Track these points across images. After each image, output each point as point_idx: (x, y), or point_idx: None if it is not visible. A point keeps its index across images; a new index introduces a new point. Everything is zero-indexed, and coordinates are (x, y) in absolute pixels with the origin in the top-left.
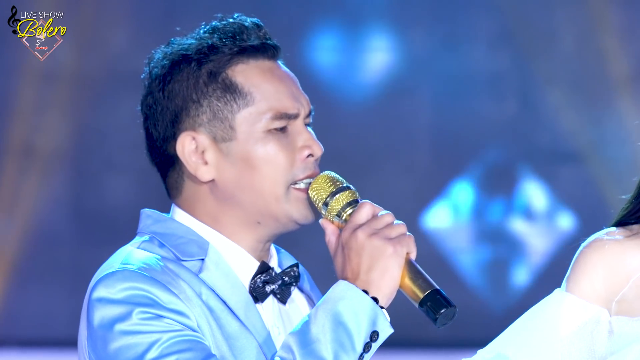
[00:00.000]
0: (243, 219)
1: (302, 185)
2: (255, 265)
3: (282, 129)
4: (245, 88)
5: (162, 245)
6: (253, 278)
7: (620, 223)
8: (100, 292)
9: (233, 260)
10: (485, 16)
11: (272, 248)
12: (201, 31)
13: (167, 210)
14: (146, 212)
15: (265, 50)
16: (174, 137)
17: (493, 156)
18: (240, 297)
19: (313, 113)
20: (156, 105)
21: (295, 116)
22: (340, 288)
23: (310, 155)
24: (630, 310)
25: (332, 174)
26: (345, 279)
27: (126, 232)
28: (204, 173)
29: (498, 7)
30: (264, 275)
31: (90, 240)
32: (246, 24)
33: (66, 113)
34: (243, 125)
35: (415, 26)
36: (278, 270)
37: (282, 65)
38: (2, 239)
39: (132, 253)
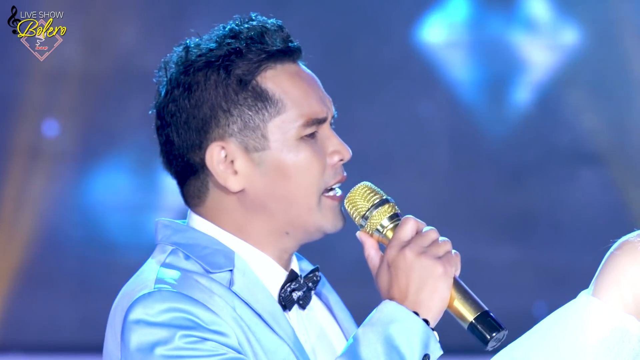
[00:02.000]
0: (272, 229)
1: (332, 193)
2: (282, 273)
3: (312, 135)
4: (276, 95)
5: (187, 258)
6: (283, 287)
7: None
8: (138, 314)
9: (260, 270)
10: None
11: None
12: (220, 33)
13: (181, 213)
14: (162, 221)
15: (291, 53)
16: (200, 147)
17: (512, 158)
18: (272, 308)
19: (336, 114)
20: (180, 113)
21: (324, 120)
22: (390, 309)
23: (340, 160)
24: None
25: (370, 184)
26: (392, 298)
27: (134, 234)
28: (234, 183)
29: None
30: (293, 283)
31: (98, 245)
32: (268, 26)
33: (73, 113)
34: (275, 133)
35: (431, 28)
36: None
37: (304, 66)
38: (7, 243)
39: (164, 271)
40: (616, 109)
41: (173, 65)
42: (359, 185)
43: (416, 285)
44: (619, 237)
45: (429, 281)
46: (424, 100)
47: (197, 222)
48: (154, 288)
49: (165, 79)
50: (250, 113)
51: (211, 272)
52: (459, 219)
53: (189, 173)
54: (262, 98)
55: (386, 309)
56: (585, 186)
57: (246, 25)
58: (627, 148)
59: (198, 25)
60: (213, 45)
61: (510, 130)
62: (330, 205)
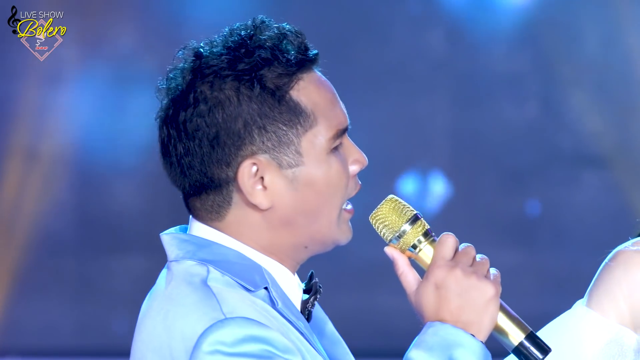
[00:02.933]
0: (293, 244)
1: (349, 207)
2: (298, 285)
3: (338, 146)
4: (309, 108)
5: (223, 275)
6: (308, 300)
7: None
8: (214, 344)
9: (283, 283)
10: (506, 16)
11: None
12: (236, 39)
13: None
14: (180, 236)
15: (315, 61)
16: (228, 163)
17: (514, 160)
18: (305, 323)
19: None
20: (209, 128)
21: (347, 129)
22: (449, 333)
23: (359, 169)
24: None
25: (397, 198)
26: (442, 320)
27: (133, 240)
28: (264, 200)
29: (519, 6)
30: (315, 296)
31: (96, 248)
32: (287, 32)
33: (70, 115)
34: (308, 148)
35: (435, 26)
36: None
37: (317, 70)
38: (4, 246)
39: (221, 293)
40: (620, 111)
41: (189, 74)
42: (387, 199)
43: (468, 306)
44: (622, 241)
45: (480, 302)
46: (425, 101)
47: (213, 235)
48: (225, 315)
49: (180, 87)
50: (285, 129)
51: (253, 291)
52: (460, 222)
53: (209, 187)
54: (296, 112)
55: (443, 332)
56: (588, 189)
57: (267, 34)
58: (631, 150)
59: (195, 27)
60: (237, 54)
61: (512, 132)
62: (346, 219)
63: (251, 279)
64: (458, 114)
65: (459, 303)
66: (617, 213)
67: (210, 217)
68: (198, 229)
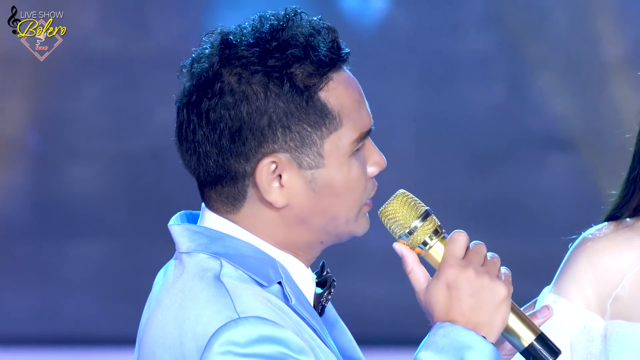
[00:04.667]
0: (308, 241)
1: (368, 201)
2: (311, 277)
3: (359, 148)
4: (336, 110)
5: (236, 270)
6: (322, 295)
7: (611, 217)
8: (226, 344)
9: (297, 277)
10: None
11: None
12: (265, 31)
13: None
14: (191, 227)
15: (346, 60)
16: (247, 158)
17: (481, 144)
18: (317, 319)
19: None
20: (233, 121)
21: (371, 131)
22: (459, 334)
23: (378, 171)
24: (626, 312)
25: (408, 193)
26: (452, 321)
27: (89, 225)
28: (280, 198)
29: None
30: (329, 291)
31: (53, 234)
32: (318, 26)
33: (26, 98)
34: (330, 150)
35: (399, 5)
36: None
37: (346, 69)
38: None
39: (234, 290)
40: (588, 94)
41: (217, 63)
42: (398, 194)
43: (480, 307)
44: (591, 225)
45: (492, 303)
46: (389, 83)
47: (226, 227)
48: (238, 314)
49: (206, 74)
50: (309, 130)
51: (266, 286)
52: (428, 204)
53: (224, 179)
54: (322, 114)
55: (454, 334)
56: (557, 172)
57: (300, 29)
58: (600, 133)
59: (158, 8)
60: (268, 47)
61: (479, 115)
62: (364, 212)
63: (265, 274)
64: (424, 96)
65: (471, 304)
66: (585, 197)
67: (226, 209)
68: (210, 219)
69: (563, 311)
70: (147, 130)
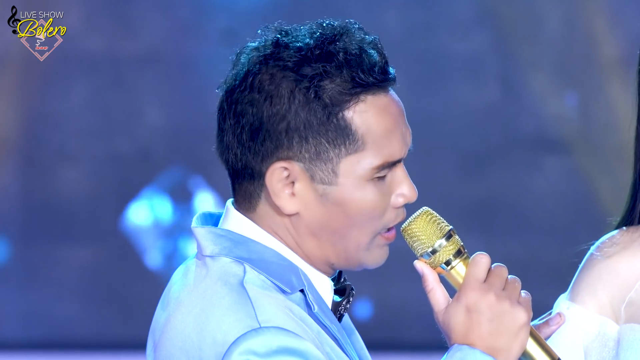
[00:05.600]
0: (319, 255)
1: (390, 233)
2: (330, 285)
3: (382, 176)
4: (359, 132)
5: (258, 275)
6: (340, 303)
7: (624, 223)
8: (245, 354)
9: (317, 284)
10: None
11: None
12: (317, 36)
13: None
14: (215, 230)
15: (388, 84)
16: (262, 158)
17: (473, 144)
18: (338, 327)
19: (411, 148)
20: (253, 119)
21: (399, 161)
22: (477, 358)
23: (405, 202)
24: (638, 316)
25: (432, 212)
26: (470, 344)
27: (78, 228)
28: (290, 205)
29: None
30: (349, 298)
31: (41, 235)
32: (367, 47)
33: (13, 98)
34: (346, 171)
35: (389, 6)
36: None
37: (394, 94)
38: None
39: (257, 298)
40: (581, 94)
41: (259, 58)
42: (422, 212)
43: (499, 332)
44: (582, 227)
45: (512, 328)
46: None
47: (249, 229)
48: (259, 324)
49: (247, 66)
50: (327, 145)
51: (289, 293)
52: (417, 206)
53: (244, 173)
54: (344, 133)
55: (471, 357)
56: (550, 174)
57: (345, 45)
58: (593, 135)
59: (145, 7)
60: (309, 55)
61: (472, 115)
62: (382, 244)
63: (288, 281)
64: (415, 96)
65: (490, 329)
66: (578, 198)
67: (244, 205)
68: (233, 219)
69: (577, 317)
70: (136, 130)
